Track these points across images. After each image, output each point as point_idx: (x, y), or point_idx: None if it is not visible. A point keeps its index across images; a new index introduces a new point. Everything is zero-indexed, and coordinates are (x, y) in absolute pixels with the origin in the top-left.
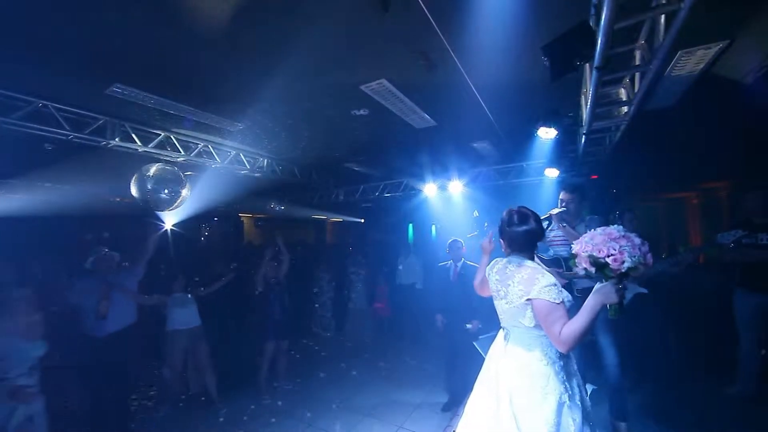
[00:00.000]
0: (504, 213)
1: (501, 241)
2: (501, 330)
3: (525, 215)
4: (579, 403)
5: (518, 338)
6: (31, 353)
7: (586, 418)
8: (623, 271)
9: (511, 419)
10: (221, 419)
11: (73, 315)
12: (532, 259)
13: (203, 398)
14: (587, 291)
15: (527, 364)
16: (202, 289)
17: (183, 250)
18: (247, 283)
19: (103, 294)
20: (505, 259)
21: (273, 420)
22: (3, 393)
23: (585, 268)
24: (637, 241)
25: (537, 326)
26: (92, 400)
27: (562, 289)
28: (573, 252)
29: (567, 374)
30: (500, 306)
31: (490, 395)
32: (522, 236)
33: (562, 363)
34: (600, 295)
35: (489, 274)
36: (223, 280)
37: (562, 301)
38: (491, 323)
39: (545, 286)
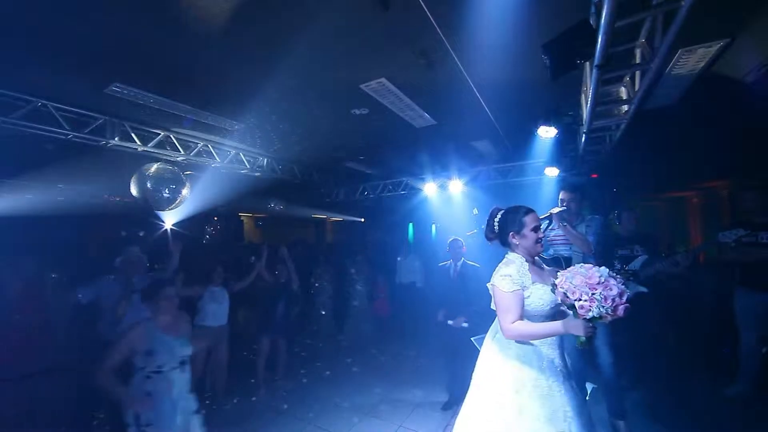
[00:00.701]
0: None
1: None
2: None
3: (492, 211)
4: (551, 396)
5: (495, 328)
6: (177, 349)
7: (579, 415)
8: (587, 318)
9: (484, 407)
10: (223, 417)
11: (87, 314)
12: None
13: (207, 395)
14: None
15: (495, 353)
16: (235, 283)
17: (191, 248)
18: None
19: (123, 295)
20: None
21: (274, 418)
22: (163, 383)
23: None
24: (615, 291)
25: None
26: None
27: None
28: (554, 281)
29: (539, 368)
30: None
31: (474, 386)
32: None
33: (529, 356)
34: (568, 326)
35: None
36: (252, 275)
37: (514, 292)
38: (490, 322)
39: (502, 275)
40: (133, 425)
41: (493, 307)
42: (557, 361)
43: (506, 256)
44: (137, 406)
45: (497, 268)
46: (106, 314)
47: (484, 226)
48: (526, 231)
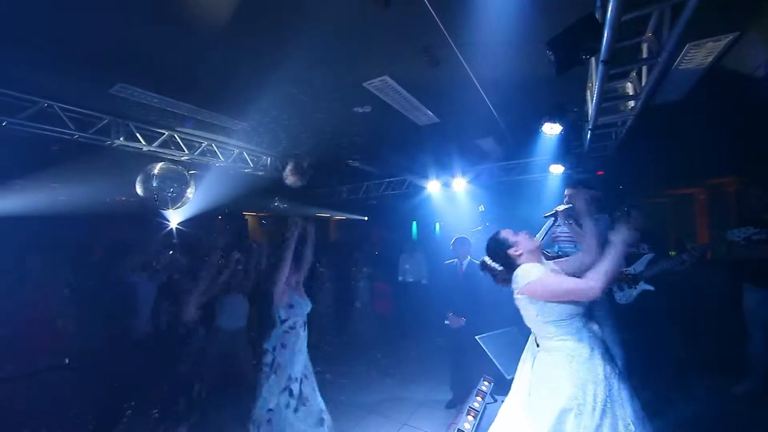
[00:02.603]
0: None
1: None
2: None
3: (481, 262)
4: (596, 414)
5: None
6: (304, 308)
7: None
8: None
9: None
10: (224, 417)
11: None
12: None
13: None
14: None
15: (552, 368)
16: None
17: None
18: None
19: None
20: None
21: None
22: (294, 336)
23: None
24: None
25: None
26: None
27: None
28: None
29: (583, 380)
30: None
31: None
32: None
33: (575, 366)
34: (620, 236)
35: None
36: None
37: (552, 271)
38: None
39: (527, 271)
40: (268, 365)
41: (529, 324)
42: (609, 369)
43: (518, 271)
44: (276, 351)
45: (517, 279)
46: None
47: (486, 270)
48: (514, 239)
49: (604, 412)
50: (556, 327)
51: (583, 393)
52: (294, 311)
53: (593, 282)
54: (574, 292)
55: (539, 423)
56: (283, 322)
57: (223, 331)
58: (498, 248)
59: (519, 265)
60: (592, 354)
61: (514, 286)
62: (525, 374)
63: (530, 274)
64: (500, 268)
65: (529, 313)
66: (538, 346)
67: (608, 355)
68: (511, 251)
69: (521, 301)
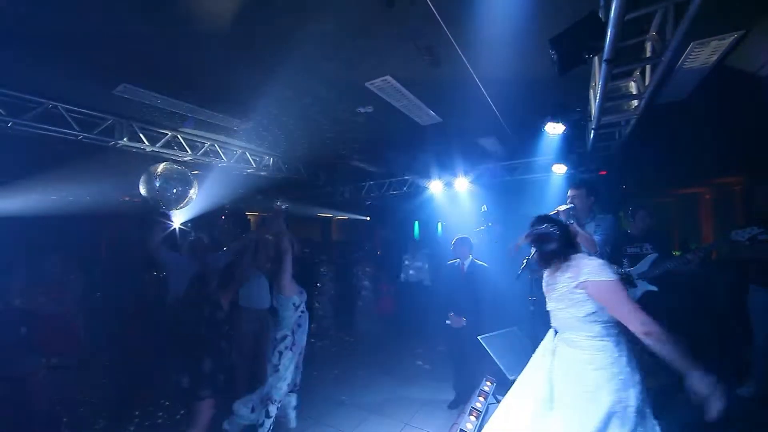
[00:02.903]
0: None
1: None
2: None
3: (539, 232)
4: (637, 416)
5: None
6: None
7: None
8: None
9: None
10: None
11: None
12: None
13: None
14: None
15: (577, 363)
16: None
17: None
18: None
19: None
20: None
21: None
22: (304, 318)
23: None
24: None
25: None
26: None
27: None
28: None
29: (625, 383)
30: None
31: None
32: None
33: (616, 369)
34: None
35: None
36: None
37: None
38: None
39: (599, 266)
40: (288, 346)
41: (568, 320)
42: (639, 375)
43: (587, 262)
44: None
45: (584, 271)
46: (172, 288)
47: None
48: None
49: (643, 415)
50: (604, 328)
51: (626, 396)
52: (303, 296)
53: (650, 327)
54: (631, 316)
55: (580, 425)
56: (297, 307)
57: (249, 311)
58: (563, 225)
59: (577, 253)
60: (630, 358)
61: (572, 275)
62: (541, 375)
63: (604, 272)
64: (555, 244)
65: (581, 309)
66: (554, 345)
67: (635, 362)
68: (575, 235)
69: (577, 295)
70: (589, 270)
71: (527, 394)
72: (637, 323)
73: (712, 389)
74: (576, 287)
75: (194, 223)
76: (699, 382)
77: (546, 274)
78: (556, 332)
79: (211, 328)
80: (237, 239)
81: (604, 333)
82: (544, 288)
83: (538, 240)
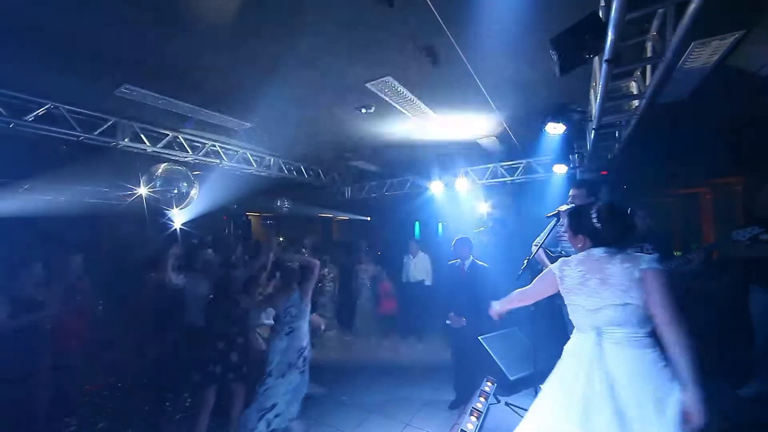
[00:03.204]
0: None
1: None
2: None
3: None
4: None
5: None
6: (301, 309)
7: None
8: None
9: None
10: (225, 416)
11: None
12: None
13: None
14: None
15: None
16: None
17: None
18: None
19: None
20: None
21: None
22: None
23: None
24: None
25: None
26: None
27: None
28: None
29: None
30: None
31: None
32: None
33: (664, 363)
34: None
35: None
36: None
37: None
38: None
39: (653, 257)
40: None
41: (622, 310)
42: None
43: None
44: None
45: (639, 256)
46: (193, 306)
47: (596, 224)
48: None
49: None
50: (650, 322)
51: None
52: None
53: (680, 336)
54: (676, 316)
55: (663, 424)
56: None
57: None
58: (626, 211)
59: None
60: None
61: (631, 264)
62: (582, 387)
63: (659, 264)
64: (610, 227)
65: (640, 300)
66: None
67: None
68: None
69: (636, 285)
70: (650, 258)
71: (570, 417)
72: (680, 327)
73: (700, 411)
74: (638, 277)
75: (196, 223)
76: (694, 401)
77: (569, 267)
78: (598, 334)
79: (235, 323)
80: (254, 257)
81: (650, 326)
82: (568, 285)
83: (610, 215)
